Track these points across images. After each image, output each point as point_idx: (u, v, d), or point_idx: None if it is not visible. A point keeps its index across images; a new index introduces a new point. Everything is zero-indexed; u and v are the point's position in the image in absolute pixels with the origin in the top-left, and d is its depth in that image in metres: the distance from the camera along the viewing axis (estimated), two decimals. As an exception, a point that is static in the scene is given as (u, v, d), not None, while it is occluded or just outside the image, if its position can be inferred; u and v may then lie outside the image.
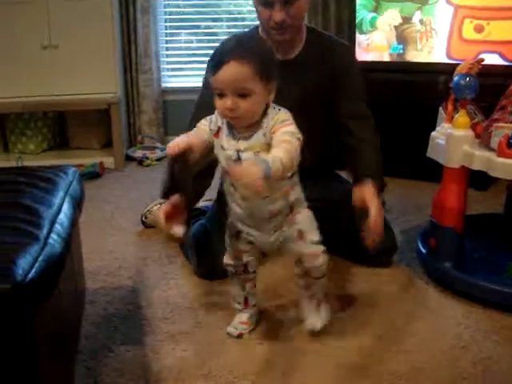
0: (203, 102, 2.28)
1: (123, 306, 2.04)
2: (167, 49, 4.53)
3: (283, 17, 2.09)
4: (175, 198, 1.89)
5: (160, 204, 2.71)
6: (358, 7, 3.62)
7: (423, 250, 2.27)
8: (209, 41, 4.56)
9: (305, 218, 1.73)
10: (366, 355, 1.75)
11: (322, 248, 1.73)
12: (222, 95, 1.55)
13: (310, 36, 2.31)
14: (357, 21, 3.63)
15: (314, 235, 1.73)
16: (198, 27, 4.58)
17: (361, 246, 2.16)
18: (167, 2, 4.46)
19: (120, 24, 4.16)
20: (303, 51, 2.28)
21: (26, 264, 1.05)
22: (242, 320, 1.89)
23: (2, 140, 4.22)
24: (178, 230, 1.83)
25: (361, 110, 2.31)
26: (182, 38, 4.61)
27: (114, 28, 3.99)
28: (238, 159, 1.60)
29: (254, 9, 2.18)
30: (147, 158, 3.95)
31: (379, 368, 1.69)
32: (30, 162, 3.81)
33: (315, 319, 1.83)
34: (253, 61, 1.52)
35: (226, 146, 1.63)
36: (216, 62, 1.55)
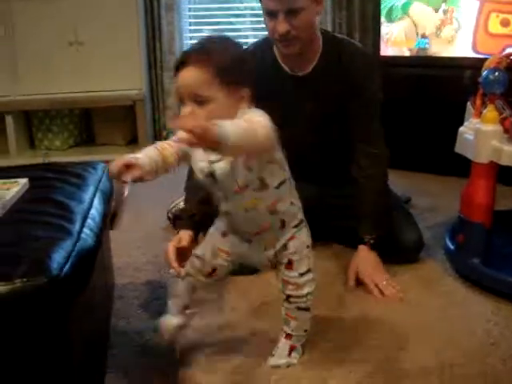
0: None
1: (151, 300, 2.05)
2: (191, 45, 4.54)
3: (287, 28, 1.99)
4: (183, 237, 1.97)
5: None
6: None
7: (451, 246, 2.26)
8: (233, 37, 4.55)
9: (298, 246, 1.58)
10: (394, 351, 1.74)
11: (306, 278, 1.59)
12: (183, 102, 1.41)
13: (327, 46, 2.20)
14: (386, 8, 3.59)
15: (304, 265, 1.58)
16: (220, 24, 4.59)
17: (388, 243, 2.19)
18: (192, -1, 4.49)
19: (145, 21, 4.19)
20: (318, 65, 2.19)
21: (61, 258, 1.07)
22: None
23: (29, 136, 4.26)
24: (183, 271, 1.88)
25: (371, 136, 2.23)
26: (207, 34, 4.62)
27: (138, 25, 4.03)
28: (211, 175, 1.47)
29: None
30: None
31: (408, 364, 1.68)
32: (56, 158, 3.86)
33: (280, 360, 1.67)
34: (212, 64, 1.37)
35: (199, 158, 1.48)
36: (175, 66, 1.43)
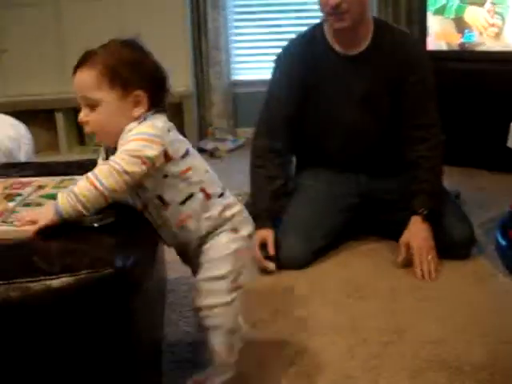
0: (270, 104, 2.36)
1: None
2: (236, 41, 4.57)
3: (339, 0, 2.06)
4: (267, 237, 2.20)
5: (234, 195, 2.75)
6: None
7: (502, 242, 2.22)
8: (276, 33, 4.56)
9: (214, 250, 1.39)
10: (445, 347, 1.73)
11: (216, 286, 1.38)
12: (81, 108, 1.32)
13: (379, 30, 2.25)
14: (439, 3, 3.56)
15: (216, 270, 1.38)
16: (265, 19, 4.59)
17: (439, 239, 2.19)
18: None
19: (191, 18, 4.22)
20: (371, 45, 2.23)
21: (124, 250, 1.09)
22: None
23: (78, 134, 4.34)
24: (272, 264, 2.20)
25: (427, 121, 2.27)
26: (251, 30, 4.64)
27: (185, 22, 4.06)
28: None
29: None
30: (218, 150, 4.01)
31: (459, 360, 1.66)
32: (105, 154, 3.92)
33: None
34: (99, 63, 1.29)
35: None
36: (73, 68, 1.33)
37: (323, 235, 2.30)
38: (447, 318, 1.88)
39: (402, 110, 2.26)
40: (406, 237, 2.22)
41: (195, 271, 1.44)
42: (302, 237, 2.25)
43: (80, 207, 1.19)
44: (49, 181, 1.61)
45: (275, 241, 2.24)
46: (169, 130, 1.34)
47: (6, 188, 1.55)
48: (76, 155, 4.03)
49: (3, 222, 1.28)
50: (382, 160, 2.39)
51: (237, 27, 4.55)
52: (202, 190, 1.36)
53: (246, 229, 1.45)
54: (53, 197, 1.43)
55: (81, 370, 1.06)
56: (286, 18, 4.57)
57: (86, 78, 1.28)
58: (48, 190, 1.52)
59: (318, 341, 1.77)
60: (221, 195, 1.41)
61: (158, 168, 1.28)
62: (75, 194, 1.19)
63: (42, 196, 1.47)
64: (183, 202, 1.34)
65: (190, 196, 1.35)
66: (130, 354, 1.10)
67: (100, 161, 1.39)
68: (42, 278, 1.00)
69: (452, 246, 2.23)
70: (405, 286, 2.08)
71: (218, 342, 1.40)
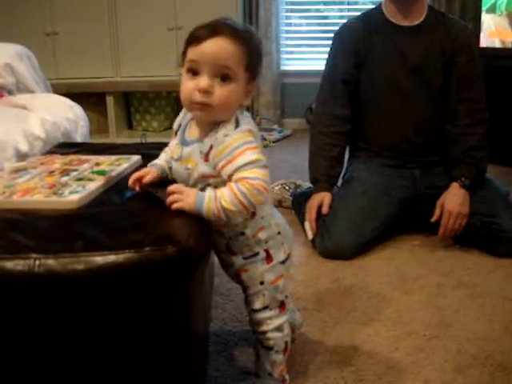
0: (329, 73, 2.49)
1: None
2: (286, 32, 4.58)
3: None
4: (326, 198, 2.33)
5: (281, 185, 2.78)
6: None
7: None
8: (324, 24, 4.55)
9: (249, 280, 1.37)
10: (490, 343, 1.72)
11: (263, 315, 1.38)
12: (195, 73, 1.22)
13: (432, 10, 2.43)
14: (489, 3, 3.51)
15: (258, 302, 1.38)
16: (315, 11, 4.59)
17: (489, 235, 2.19)
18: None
19: (243, 6, 4.24)
20: (426, 20, 2.38)
21: (186, 229, 1.12)
22: None
23: (127, 118, 4.41)
24: (310, 234, 2.35)
25: (472, 95, 2.37)
26: (300, 21, 4.64)
27: (237, 10, 4.08)
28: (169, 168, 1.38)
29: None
30: (265, 139, 4.03)
31: (503, 357, 1.66)
32: (153, 139, 3.98)
33: None
34: (245, 45, 1.23)
35: (170, 154, 1.38)
36: (204, 33, 1.21)
37: (374, 228, 2.33)
38: (493, 315, 1.87)
39: (449, 83, 2.37)
40: (442, 199, 2.32)
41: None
42: (352, 228, 2.28)
43: (223, 216, 1.20)
44: (105, 159, 1.65)
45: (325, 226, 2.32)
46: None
47: (64, 164, 1.60)
48: (124, 139, 4.10)
49: (54, 193, 1.35)
50: (431, 147, 2.45)
51: (287, 17, 4.56)
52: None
53: (282, 252, 1.39)
54: (103, 173, 1.48)
55: (137, 347, 1.09)
56: (336, 10, 4.57)
57: (233, 49, 1.21)
58: (102, 167, 1.57)
59: (362, 332, 1.79)
60: (262, 217, 1.34)
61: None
62: (223, 207, 1.19)
63: (93, 172, 1.52)
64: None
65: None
66: (186, 333, 1.12)
67: (172, 143, 1.37)
68: (107, 252, 1.03)
69: (503, 241, 2.24)
70: (451, 282, 2.08)
71: (272, 360, 1.42)
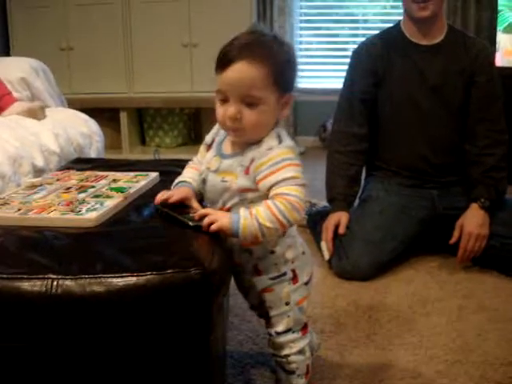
0: (347, 91, 2.46)
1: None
2: (299, 50, 4.57)
3: None
4: (343, 218, 2.30)
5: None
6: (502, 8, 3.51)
7: None
8: (334, 42, 4.55)
9: (274, 301, 1.34)
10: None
11: (285, 338, 1.35)
12: (224, 100, 1.24)
13: (452, 28, 2.41)
14: (506, 22, 3.50)
15: (281, 324, 1.34)
16: (325, 29, 4.59)
17: (507, 258, 2.16)
18: (303, 3, 4.51)
19: (257, 23, 4.24)
20: (445, 39, 2.36)
21: (207, 251, 1.09)
22: None
23: (140, 133, 4.40)
24: (327, 254, 2.30)
25: (492, 116, 2.34)
26: (312, 39, 4.65)
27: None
28: (203, 181, 1.34)
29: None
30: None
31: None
32: (166, 155, 3.96)
33: None
34: (268, 64, 1.21)
35: (206, 165, 1.35)
36: (225, 59, 1.22)
37: (392, 248, 2.29)
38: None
39: (469, 103, 2.35)
40: (461, 220, 2.29)
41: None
42: (370, 248, 2.23)
43: (260, 235, 1.19)
44: (123, 175, 1.63)
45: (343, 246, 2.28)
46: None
47: (81, 180, 1.59)
48: (137, 155, 4.08)
49: (71, 210, 1.32)
50: (450, 167, 2.42)
51: (302, 35, 4.56)
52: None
53: (305, 274, 1.37)
54: (121, 190, 1.46)
55: (157, 371, 1.05)
56: (343, 28, 4.58)
57: (254, 73, 1.20)
58: (119, 184, 1.55)
59: (382, 356, 1.74)
60: (289, 236, 1.33)
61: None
62: (259, 223, 1.18)
63: (111, 188, 1.50)
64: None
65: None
66: (207, 357, 1.09)
67: (209, 155, 1.35)
68: (128, 274, 1.00)
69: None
70: (472, 306, 2.03)
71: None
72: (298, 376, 1.37)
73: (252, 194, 1.24)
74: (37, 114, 2.22)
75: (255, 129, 1.23)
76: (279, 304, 1.33)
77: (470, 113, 2.35)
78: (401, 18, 2.43)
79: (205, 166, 1.34)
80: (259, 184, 1.21)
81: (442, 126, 2.38)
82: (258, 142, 1.24)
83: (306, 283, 1.37)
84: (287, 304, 1.33)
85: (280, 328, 1.35)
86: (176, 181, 1.39)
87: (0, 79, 2.40)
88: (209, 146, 1.37)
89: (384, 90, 2.40)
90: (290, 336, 1.35)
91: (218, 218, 1.20)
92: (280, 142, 1.24)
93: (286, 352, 1.36)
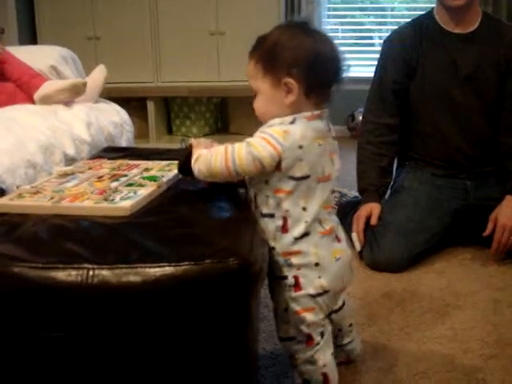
0: (378, 82, 2.43)
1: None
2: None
3: None
4: (375, 210, 2.26)
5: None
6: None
7: None
8: (359, 30, 4.50)
9: (275, 303, 1.34)
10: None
11: (295, 347, 1.33)
12: None
13: (487, 16, 2.35)
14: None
15: (281, 330, 1.34)
16: (351, 17, 4.55)
17: None
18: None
19: (285, 11, 4.20)
20: (479, 27, 2.30)
21: (246, 242, 1.07)
22: None
23: (167, 123, 4.40)
24: (358, 245, 2.27)
25: None
26: (337, 27, 4.61)
27: (280, 16, 4.04)
28: None
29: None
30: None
31: None
32: (193, 145, 3.95)
33: None
34: (256, 56, 1.28)
35: None
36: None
37: (425, 240, 2.25)
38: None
39: (503, 94, 2.30)
40: (495, 212, 2.25)
41: None
42: (402, 240, 2.20)
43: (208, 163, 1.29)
44: (155, 164, 1.62)
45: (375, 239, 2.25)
46: (300, 147, 1.24)
47: (113, 169, 1.58)
48: (164, 144, 4.08)
49: (104, 199, 1.31)
50: (485, 158, 2.37)
51: (331, 23, 4.52)
52: (283, 219, 1.26)
53: (313, 286, 1.29)
54: (154, 179, 1.45)
55: (194, 363, 1.04)
56: (369, 16, 4.53)
57: (248, 66, 1.30)
58: (152, 173, 1.53)
59: (416, 349, 1.71)
60: (299, 238, 1.27)
61: (268, 172, 1.24)
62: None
63: (143, 177, 1.49)
64: (264, 216, 1.28)
65: (271, 215, 1.27)
66: (244, 349, 1.07)
67: None
68: (165, 264, 0.98)
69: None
70: (508, 299, 1.99)
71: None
72: None
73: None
74: (80, 89, 2.21)
75: (260, 115, 1.31)
76: (278, 307, 1.33)
77: (505, 104, 2.30)
78: (427, 5, 2.39)
79: None
80: None
81: (476, 117, 2.33)
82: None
83: (314, 296, 1.29)
84: (286, 310, 1.31)
85: (280, 333, 1.34)
86: None
87: (25, 63, 2.39)
88: None
89: (416, 79, 2.35)
90: (293, 346, 1.32)
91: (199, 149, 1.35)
92: (281, 124, 1.25)
93: (293, 362, 1.34)
